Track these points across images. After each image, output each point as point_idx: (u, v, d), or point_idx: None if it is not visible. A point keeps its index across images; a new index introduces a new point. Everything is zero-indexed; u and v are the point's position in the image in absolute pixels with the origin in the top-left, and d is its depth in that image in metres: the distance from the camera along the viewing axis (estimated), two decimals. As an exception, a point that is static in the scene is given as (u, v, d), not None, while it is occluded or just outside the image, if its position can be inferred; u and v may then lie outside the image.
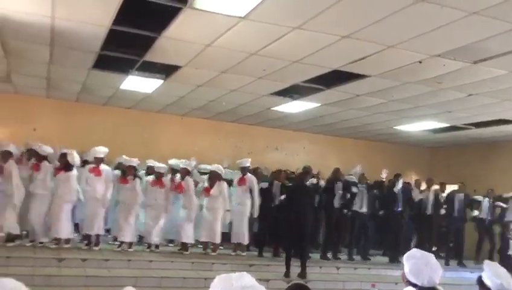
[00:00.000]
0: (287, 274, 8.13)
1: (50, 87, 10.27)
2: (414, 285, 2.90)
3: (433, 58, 6.57)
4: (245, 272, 2.14)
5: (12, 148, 8.30)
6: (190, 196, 9.03)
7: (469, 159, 13.39)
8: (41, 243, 8.33)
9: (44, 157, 8.50)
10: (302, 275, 8.07)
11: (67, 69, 8.72)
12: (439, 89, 8.11)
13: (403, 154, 14.20)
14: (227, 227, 9.74)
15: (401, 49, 6.32)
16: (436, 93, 8.38)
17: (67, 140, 10.74)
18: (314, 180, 9.27)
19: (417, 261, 2.92)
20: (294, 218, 8.30)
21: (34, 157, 8.54)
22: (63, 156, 8.49)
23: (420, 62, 6.73)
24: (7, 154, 8.16)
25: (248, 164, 9.57)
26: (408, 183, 11.04)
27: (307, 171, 8.77)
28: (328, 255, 9.87)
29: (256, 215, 9.41)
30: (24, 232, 8.52)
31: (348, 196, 9.86)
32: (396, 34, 5.88)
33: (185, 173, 9.11)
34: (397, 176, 10.41)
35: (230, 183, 9.65)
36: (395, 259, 10.02)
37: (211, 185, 9.08)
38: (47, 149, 8.59)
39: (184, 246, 9.09)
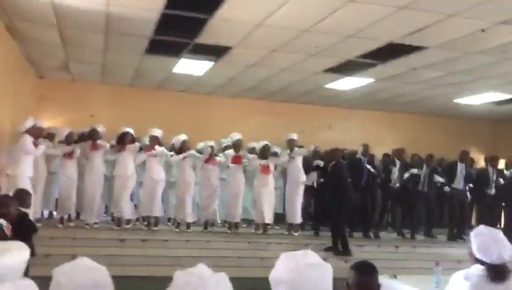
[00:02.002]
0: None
1: (105, 73, 10.54)
2: (482, 262, 2.79)
3: (498, 25, 6.23)
4: (309, 250, 2.11)
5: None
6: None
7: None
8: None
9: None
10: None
11: (122, 55, 8.91)
12: (503, 58, 7.71)
13: (463, 129, 13.60)
14: (281, 208, 9.73)
15: (462, 18, 6.02)
16: (500, 63, 7.97)
17: (123, 124, 11.02)
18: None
19: (485, 238, 2.84)
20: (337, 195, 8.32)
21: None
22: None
23: (483, 31, 6.40)
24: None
25: (295, 136, 9.19)
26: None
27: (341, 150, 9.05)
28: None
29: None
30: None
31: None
32: (456, 2, 5.59)
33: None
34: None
35: None
36: (455, 237, 9.70)
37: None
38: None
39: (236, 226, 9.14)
